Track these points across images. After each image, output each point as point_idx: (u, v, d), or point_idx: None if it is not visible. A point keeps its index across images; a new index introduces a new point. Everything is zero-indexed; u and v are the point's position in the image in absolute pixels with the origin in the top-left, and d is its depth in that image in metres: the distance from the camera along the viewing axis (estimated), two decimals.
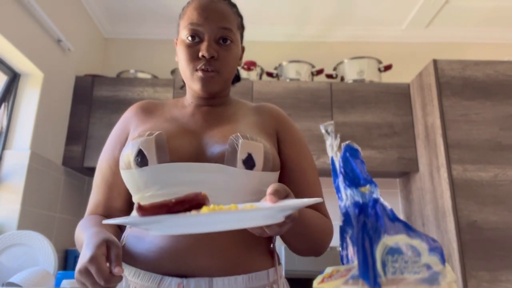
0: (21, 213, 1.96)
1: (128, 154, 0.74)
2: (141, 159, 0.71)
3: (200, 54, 0.78)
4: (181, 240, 0.67)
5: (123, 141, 0.83)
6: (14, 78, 2.17)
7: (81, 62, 2.64)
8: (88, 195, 2.57)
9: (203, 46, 0.78)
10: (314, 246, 0.76)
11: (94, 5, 2.77)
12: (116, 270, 0.56)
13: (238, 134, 0.74)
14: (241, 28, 0.88)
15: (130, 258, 0.71)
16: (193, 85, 0.81)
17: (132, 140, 0.75)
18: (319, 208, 0.81)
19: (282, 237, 0.71)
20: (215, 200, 0.70)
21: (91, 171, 2.52)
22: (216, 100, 0.86)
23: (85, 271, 0.56)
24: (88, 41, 2.77)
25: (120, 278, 0.57)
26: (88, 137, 2.42)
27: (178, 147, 0.74)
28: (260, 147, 0.73)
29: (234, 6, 0.87)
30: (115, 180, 0.81)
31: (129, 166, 0.73)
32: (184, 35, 0.81)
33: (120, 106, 2.49)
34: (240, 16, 0.88)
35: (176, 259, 0.66)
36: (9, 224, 1.93)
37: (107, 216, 0.83)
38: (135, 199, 0.77)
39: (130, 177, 0.74)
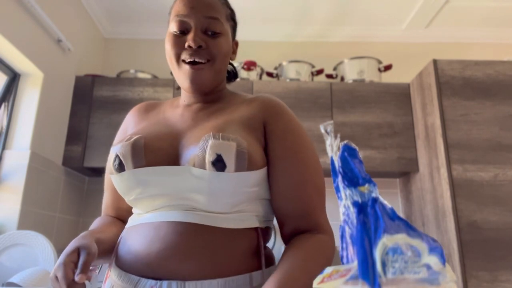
0: (21, 213, 1.96)
1: (109, 160, 0.75)
2: (118, 165, 0.72)
3: (186, 45, 0.76)
4: (153, 244, 0.67)
5: None
6: (14, 78, 2.17)
7: (81, 62, 2.64)
8: (88, 195, 2.60)
9: (189, 36, 0.76)
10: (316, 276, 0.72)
11: (94, 5, 2.77)
12: (77, 278, 0.59)
13: (211, 134, 0.70)
14: (232, 20, 0.85)
15: (117, 259, 0.72)
16: (181, 80, 0.79)
17: (114, 146, 0.75)
18: (314, 217, 0.73)
19: None
20: (191, 203, 0.69)
21: (91, 171, 2.53)
22: (208, 96, 0.84)
23: (54, 277, 0.62)
24: (88, 41, 2.77)
25: (82, 285, 0.61)
26: (88, 137, 2.42)
27: (155, 150, 0.72)
28: (231, 147, 0.68)
29: None
30: None
31: (111, 171, 0.74)
32: (171, 27, 0.80)
33: (120, 106, 2.49)
34: (230, 9, 0.85)
35: (150, 262, 0.66)
36: (9, 224, 1.93)
37: (117, 216, 0.86)
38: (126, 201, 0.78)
39: (115, 182, 0.74)
